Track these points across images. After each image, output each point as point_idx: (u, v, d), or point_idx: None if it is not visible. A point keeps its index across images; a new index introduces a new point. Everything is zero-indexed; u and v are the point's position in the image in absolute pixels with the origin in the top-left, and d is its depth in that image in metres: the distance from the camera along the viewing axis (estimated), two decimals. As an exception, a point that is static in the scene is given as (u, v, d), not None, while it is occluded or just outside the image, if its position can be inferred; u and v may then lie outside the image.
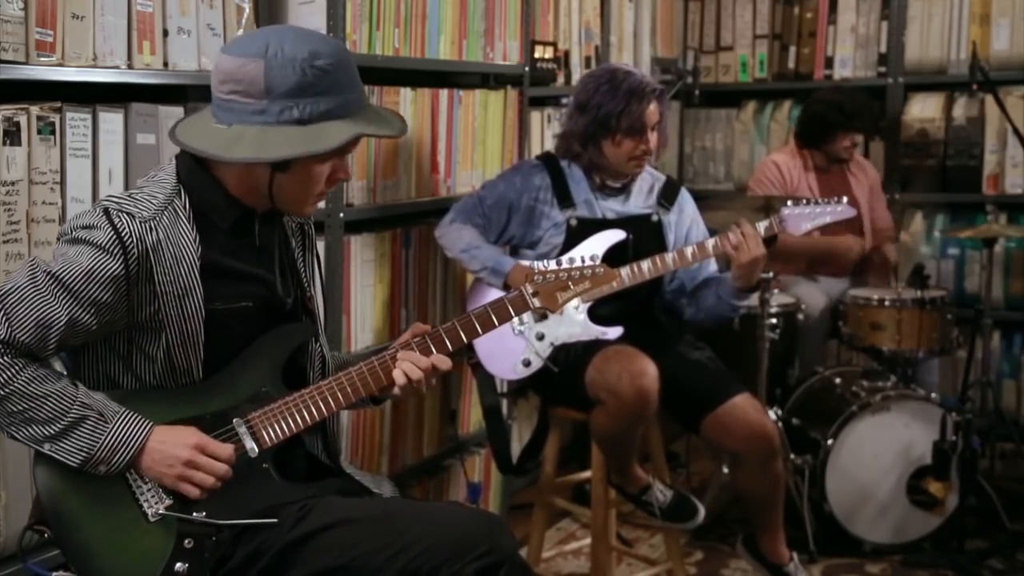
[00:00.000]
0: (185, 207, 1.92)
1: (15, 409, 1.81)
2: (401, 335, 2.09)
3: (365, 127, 1.93)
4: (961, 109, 4.71)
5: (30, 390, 1.81)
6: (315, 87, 1.87)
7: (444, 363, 2.05)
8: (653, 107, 3.10)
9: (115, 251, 1.83)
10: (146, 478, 1.88)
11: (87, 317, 1.84)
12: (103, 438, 1.83)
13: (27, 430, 1.82)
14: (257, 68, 1.86)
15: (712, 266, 3.25)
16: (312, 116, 1.88)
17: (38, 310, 1.81)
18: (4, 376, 1.80)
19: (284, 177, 1.93)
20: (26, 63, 2.17)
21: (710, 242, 3.05)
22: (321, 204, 2.86)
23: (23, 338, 1.80)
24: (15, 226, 2.16)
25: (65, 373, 1.93)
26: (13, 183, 2.15)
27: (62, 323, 1.82)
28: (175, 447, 1.87)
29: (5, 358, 1.80)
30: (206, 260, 1.91)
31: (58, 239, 1.90)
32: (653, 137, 3.13)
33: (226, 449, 1.91)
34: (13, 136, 2.14)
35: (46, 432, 1.82)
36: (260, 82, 1.86)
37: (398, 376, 2.01)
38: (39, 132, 2.19)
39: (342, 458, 2.20)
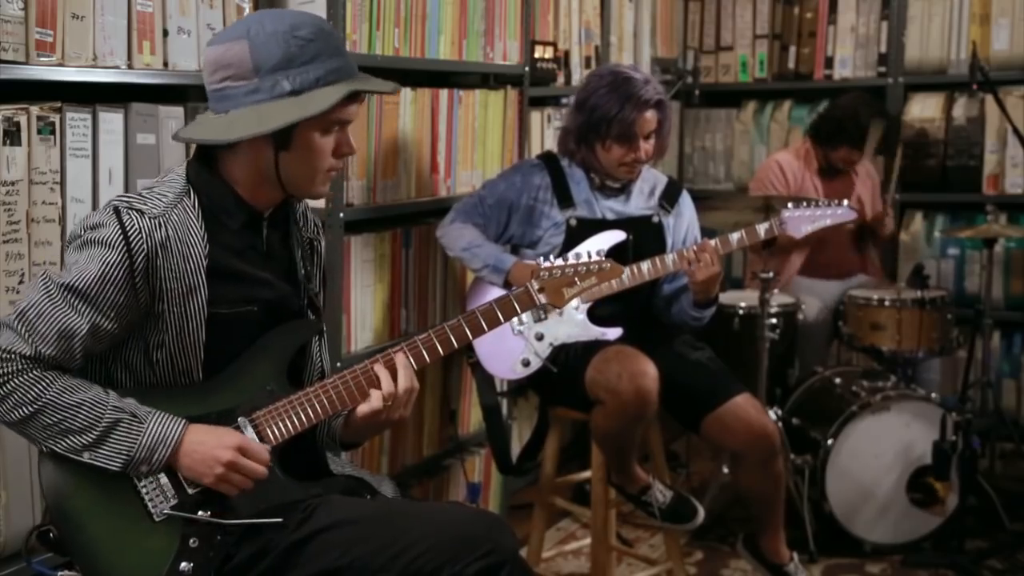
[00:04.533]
0: (194, 206, 1.92)
1: (50, 422, 1.81)
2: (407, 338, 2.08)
3: (357, 84, 1.94)
4: (961, 109, 4.71)
5: (63, 401, 1.81)
6: (301, 56, 1.89)
7: (406, 381, 2.00)
8: (650, 115, 3.06)
9: (123, 249, 1.83)
10: (156, 478, 1.88)
11: (107, 322, 1.84)
12: (140, 439, 1.83)
13: (65, 441, 1.82)
14: (242, 48, 1.88)
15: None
16: (304, 85, 1.89)
17: (58, 322, 1.81)
18: (36, 390, 1.80)
19: (288, 156, 1.93)
20: (26, 63, 2.17)
21: (669, 257, 3.04)
22: (320, 203, 2.87)
23: (48, 352, 1.81)
24: (15, 226, 2.16)
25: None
26: (13, 183, 2.15)
27: (84, 331, 1.82)
28: (216, 448, 1.87)
29: (33, 373, 1.80)
30: (213, 260, 1.92)
31: (69, 242, 1.91)
32: (647, 145, 3.09)
33: (264, 451, 1.91)
34: (13, 136, 2.14)
35: (84, 441, 1.82)
36: (247, 61, 1.88)
37: (378, 368, 1.98)
38: (39, 132, 2.19)
39: (343, 457, 2.20)
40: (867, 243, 4.47)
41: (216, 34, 2.01)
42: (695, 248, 2.99)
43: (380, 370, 1.99)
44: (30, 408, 1.80)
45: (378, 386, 2.00)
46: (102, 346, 1.88)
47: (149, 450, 1.84)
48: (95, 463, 1.83)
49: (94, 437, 1.82)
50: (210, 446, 1.87)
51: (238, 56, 1.88)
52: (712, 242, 3.01)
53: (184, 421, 1.87)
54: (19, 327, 1.81)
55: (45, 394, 1.80)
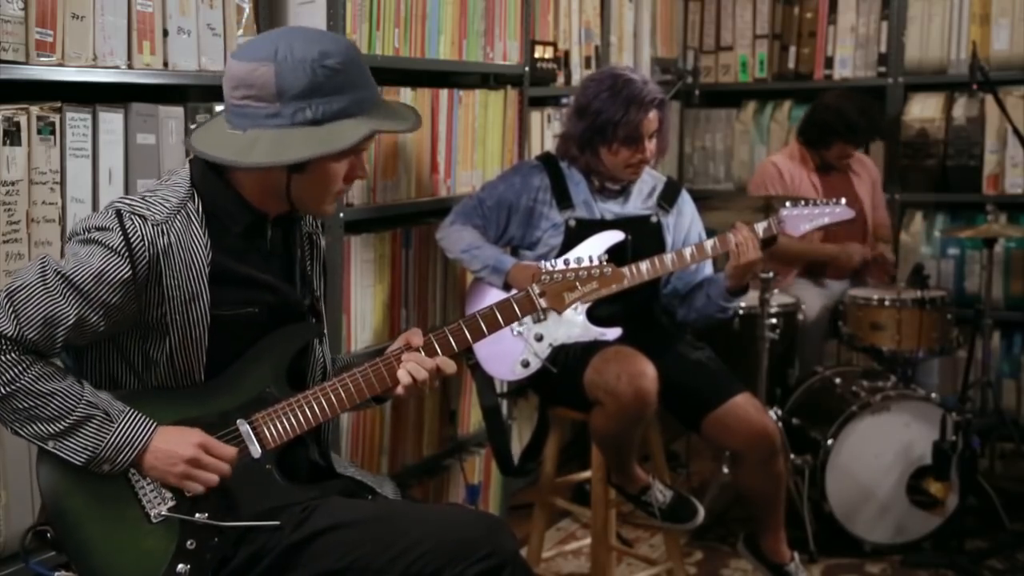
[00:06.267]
0: (198, 211, 1.92)
1: (20, 406, 1.81)
2: (399, 339, 2.08)
3: (380, 123, 1.94)
4: (961, 109, 4.71)
5: (36, 387, 1.81)
6: (327, 87, 1.88)
7: (449, 366, 2.04)
8: (652, 115, 3.08)
9: (126, 254, 1.83)
10: (148, 478, 1.88)
11: (95, 318, 1.84)
12: (108, 437, 1.83)
13: (32, 427, 1.82)
14: (268, 72, 1.87)
15: (708, 268, 3.25)
16: (326, 116, 1.89)
17: (46, 308, 1.81)
18: (10, 373, 1.79)
19: (301, 178, 1.93)
20: (26, 63, 2.17)
21: (708, 243, 3.05)
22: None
23: (30, 335, 1.80)
24: (15, 226, 2.16)
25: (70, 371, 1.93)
26: (13, 183, 2.15)
27: (70, 322, 1.82)
28: (178, 446, 1.87)
29: (12, 355, 1.80)
30: (216, 265, 1.91)
31: (69, 238, 1.91)
32: (651, 145, 3.11)
33: (230, 450, 1.91)
34: (13, 136, 2.14)
35: (51, 430, 1.82)
36: (272, 85, 1.87)
37: (403, 376, 2.01)
38: (39, 132, 2.19)
39: (343, 458, 2.20)
40: (870, 272, 4.44)
41: (243, 45, 1.99)
42: (739, 231, 3.00)
43: (400, 374, 2.02)
44: (3, 390, 1.79)
45: (377, 389, 2.01)
46: (83, 340, 1.88)
47: (115, 450, 1.83)
48: (58, 453, 1.83)
49: (62, 428, 1.82)
50: (173, 444, 1.87)
51: (263, 78, 1.87)
52: (746, 228, 3.01)
53: (154, 424, 1.87)
54: (7, 306, 1.80)
55: (20, 378, 1.80)
